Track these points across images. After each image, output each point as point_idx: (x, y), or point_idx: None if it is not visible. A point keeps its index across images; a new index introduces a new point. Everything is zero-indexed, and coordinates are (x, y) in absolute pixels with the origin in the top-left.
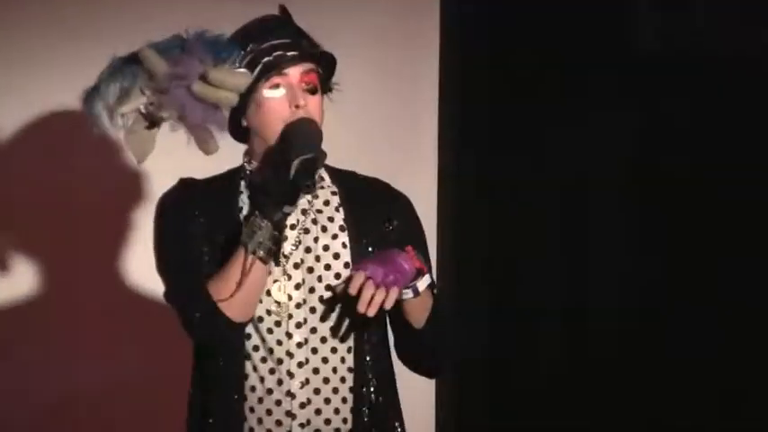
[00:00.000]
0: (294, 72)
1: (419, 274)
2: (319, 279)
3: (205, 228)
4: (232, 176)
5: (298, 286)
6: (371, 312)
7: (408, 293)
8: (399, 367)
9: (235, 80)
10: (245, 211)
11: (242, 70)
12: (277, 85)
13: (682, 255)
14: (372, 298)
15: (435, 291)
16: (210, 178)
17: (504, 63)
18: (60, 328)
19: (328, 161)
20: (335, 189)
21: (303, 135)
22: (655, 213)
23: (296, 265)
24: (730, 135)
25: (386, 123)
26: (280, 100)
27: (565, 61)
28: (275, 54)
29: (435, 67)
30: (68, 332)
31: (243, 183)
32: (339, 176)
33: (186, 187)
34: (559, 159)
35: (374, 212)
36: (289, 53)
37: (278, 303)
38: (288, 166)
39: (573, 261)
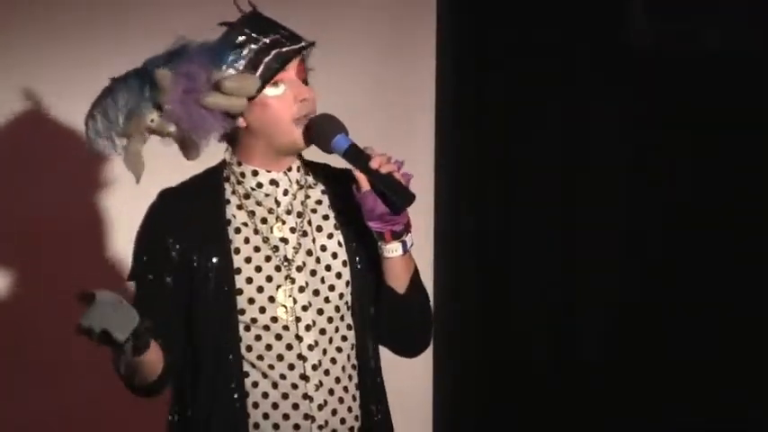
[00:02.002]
0: (293, 66)
1: (407, 228)
2: (322, 280)
3: (180, 253)
4: (213, 181)
5: (302, 289)
6: (379, 164)
7: (398, 249)
8: (398, 364)
9: (247, 85)
10: (234, 224)
11: (248, 74)
12: (277, 83)
13: (679, 254)
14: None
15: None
16: (191, 185)
17: (501, 59)
18: (52, 335)
19: (320, 157)
20: (324, 187)
21: (333, 120)
22: (653, 209)
23: (299, 269)
24: (727, 132)
25: (382, 117)
26: (284, 96)
27: (562, 56)
28: (273, 52)
29: (432, 65)
30: (60, 340)
31: (228, 189)
32: (319, 172)
33: (163, 208)
34: (557, 154)
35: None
36: (284, 49)
37: (285, 308)
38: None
39: (572, 256)
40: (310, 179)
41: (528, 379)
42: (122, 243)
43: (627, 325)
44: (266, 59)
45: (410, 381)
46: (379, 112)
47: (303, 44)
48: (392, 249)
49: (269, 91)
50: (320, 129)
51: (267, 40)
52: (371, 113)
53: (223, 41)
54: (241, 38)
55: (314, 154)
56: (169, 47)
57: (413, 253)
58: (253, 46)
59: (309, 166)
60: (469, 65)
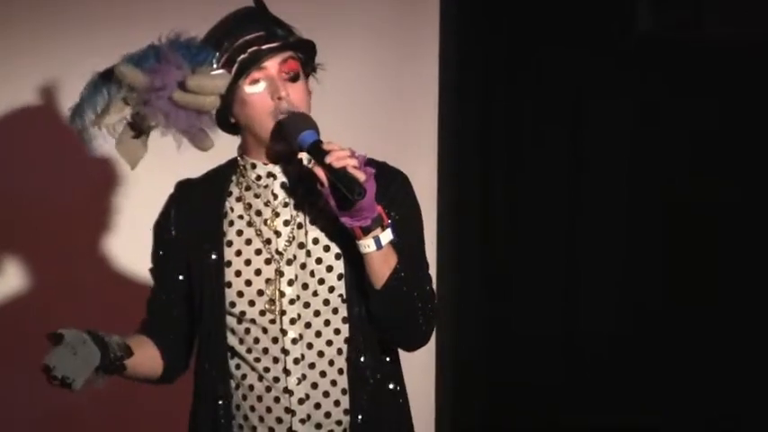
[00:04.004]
0: (272, 64)
1: (379, 224)
2: (312, 274)
3: (183, 244)
4: (225, 173)
5: (290, 282)
6: (335, 159)
7: (371, 245)
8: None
9: (213, 84)
10: (230, 216)
11: (219, 72)
12: (257, 80)
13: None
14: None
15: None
16: (205, 176)
17: (502, 55)
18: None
19: None
20: None
21: (303, 118)
22: (654, 205)
23: (289, 262)
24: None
25: (384, 112)
26: (261, 94)
27: (565, 48)
28: (250, 50)
29: (435, 55)
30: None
31: (234, 180)
32: None
33: (173, 201)
34: (560, 149)
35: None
36: (264, 47)
37: (272, 301)
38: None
39: (576, 252)
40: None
41: (531, 378)
42: (127, 240)
43: (628, 321)
44: (240, 58)
45: (412, 378)
46: (381, 108)
47: (280, 43)
48: (365, 245)
49: (248, 88)
50: (289, 126)
51: (248, 38)
52: (372, 108)
53: (206, 38)
54: (221, 35)
55: None
56: (143, 45)
57: None
58: (228, 44)
59: None
60: (473, 56)
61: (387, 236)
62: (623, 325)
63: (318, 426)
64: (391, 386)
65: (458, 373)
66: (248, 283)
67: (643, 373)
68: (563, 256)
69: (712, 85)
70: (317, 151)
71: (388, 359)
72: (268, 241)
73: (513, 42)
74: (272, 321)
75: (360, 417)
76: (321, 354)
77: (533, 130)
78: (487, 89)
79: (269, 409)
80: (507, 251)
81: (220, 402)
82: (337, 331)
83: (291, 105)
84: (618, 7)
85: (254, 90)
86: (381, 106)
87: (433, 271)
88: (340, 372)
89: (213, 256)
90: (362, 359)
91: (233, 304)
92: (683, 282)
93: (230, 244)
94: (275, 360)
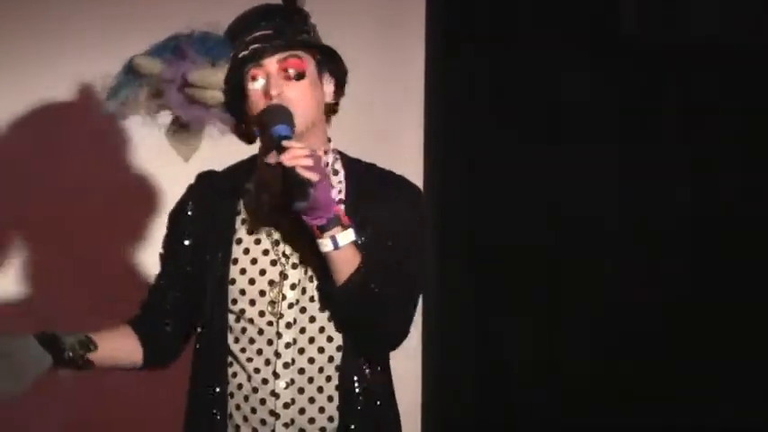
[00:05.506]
0: (270, 62)
1: (337, 224)
2: (311, 279)
3: (194, 239)
4: (244, 169)
5: (293, 287)
6: (288, 158)
7: (329, 245)
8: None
9: (216, 78)
10: (243, 214)
11: (217, 67)
12: (255, 77)
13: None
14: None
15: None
16: (227, 170)
17: (490, 61)
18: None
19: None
20: (344, 183)
21: (278, 110)
22: (645, 207)
23: (294, 265)
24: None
25: (370, 115)
26: (258, 92)
27: (552, 52)
28: (252, 47)
29: (421, 55)
30: None
31: (252, 177)
32: (352, 170)
33: (191, 193)
34: (546, 151)
35: (376, 208)
36: (264, 45)
37: (273, 303)
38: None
39: (560, 251)
40: (341, 174)
41: (516, 381)
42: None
43: (611, 331)
44: (241, 54)
45: (397, 383)
46: (366, 104)
47: (281, 41)
48: (323, 244)
49: (250, 85)
50: (265, 117)
51: (255, 34)
52: (356, 112)
53: (225, 33)
54: (238, 30)
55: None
56: (168, 36)
57: None
58: (242, 39)
59: (346, 162)
60: (457, 58)
61: (346, 237)
62: (609, 334)
63: (302, 431)
64: (380, 396)
65: (444, 375)
66: (252, 281)
67: (643, 376)
68: (548, 256)
69: (700, 88)
70: (279, 148)
71: (378, 368)
72: (276, 242)
73: (498, 45)
74: (270, 323)
75: (345, 425)
76: (312, 360)
77: (518, 136)
78: (474, 93)
79: (254, 410)
80: (494, 253)
81: (215, 398)
82: (330, 339)
83: (282, 102)
84: (604, 4)
85: (253, 87)
86: (366, 109)
87: None
88: (328, 379)
89: (221, 252)
90: (353, 368)
91: (234, 301)
92: (680, 283)
93: (239, 241)
94: (267, 362)
